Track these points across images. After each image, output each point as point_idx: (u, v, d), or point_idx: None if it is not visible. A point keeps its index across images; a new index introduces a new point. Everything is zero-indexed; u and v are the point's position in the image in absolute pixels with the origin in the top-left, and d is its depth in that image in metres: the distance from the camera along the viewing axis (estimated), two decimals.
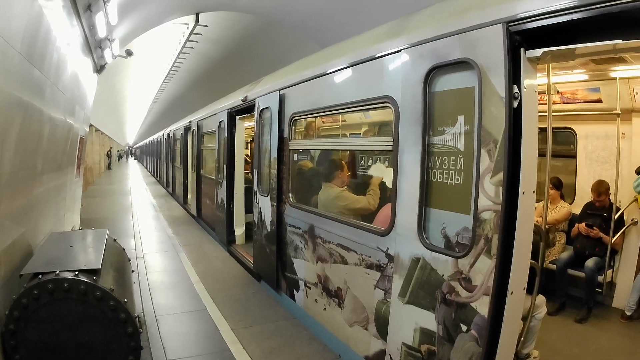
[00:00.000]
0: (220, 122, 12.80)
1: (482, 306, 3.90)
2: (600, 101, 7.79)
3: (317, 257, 6.68)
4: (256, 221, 9.29)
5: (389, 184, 5.73)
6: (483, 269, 3.89)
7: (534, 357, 5.70)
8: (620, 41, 3.49)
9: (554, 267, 7.82)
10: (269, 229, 8.48)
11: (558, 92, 6.99)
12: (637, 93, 7.41)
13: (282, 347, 6.44)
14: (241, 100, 10.71)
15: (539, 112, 4.03)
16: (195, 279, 9.57)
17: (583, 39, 3.66)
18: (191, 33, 20.06)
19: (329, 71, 6.49)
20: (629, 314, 7.31)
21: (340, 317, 6.08)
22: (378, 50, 5.33)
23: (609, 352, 6.39)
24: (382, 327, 5.13)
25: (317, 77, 6.83)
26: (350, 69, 5.99)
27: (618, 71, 7.11)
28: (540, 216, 5.77)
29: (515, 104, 3.76)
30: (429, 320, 4.44)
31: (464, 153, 4.10)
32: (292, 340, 6.69)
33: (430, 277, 4.40)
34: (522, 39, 3.78)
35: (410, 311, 4.65)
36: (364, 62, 5.64)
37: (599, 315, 7.57)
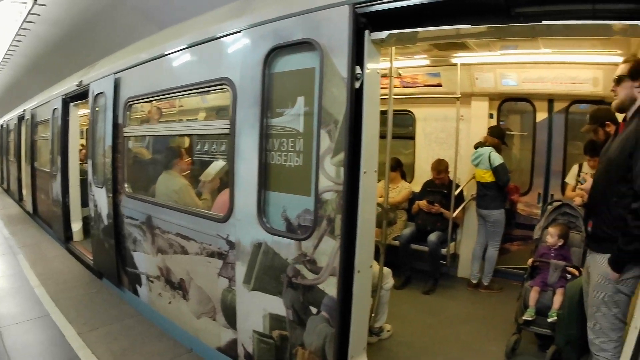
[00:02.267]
0: (54, 109, 11.77)
1: (330, 287, 3.87)
2: (440, 85, 8.16)
3: (157, 248, 6.36)
4: (93, 215, 8.76)
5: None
6: (327, 249, 3.86)
7: (387, 331, 5.85)
8: (467, 26, 3.57)
9: (397, 243, 8.02)
10: (106, 223, 7.99)
11: (400, 75, 7.08)
12: (477, 78, 7.94)
13: (132, 347, 6.08)
14: (76, 85, 9.98)
15: (381, 95, 4.05)
16: (35, 283, 8.80)
17: (429, 24, 3.70)
18: (29, 13, 18.50)
19: (166, 53, 6.18)
20: (474, 282, 7.81)
21: (186, 309, 5.85)
22: (218, 31, 5.12)
23: (459, 318, 6.67)
24: (231, 317, 4.97)
25: (154, 60, 6.48)
26: (188, 50, 5.74)
27: (459, 57, 7.45)
28: (382, 196, 5.85)
29: (357, 85, 3.73)
30: (277, 305, 4.34)
31: (304, 134, 4.02)
32: (142, 338, 6.34)
33: (274, 262, 4.30)
34: (368, 21, 3.74)
35: (257, 298, 4.53)
36: (202, 43, 5.40)
37: (447, 285, 8.00)
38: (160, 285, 6.40)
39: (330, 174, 3.80)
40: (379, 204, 5.22)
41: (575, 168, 6.96)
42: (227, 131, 4.85)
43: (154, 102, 6.98)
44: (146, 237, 6.62)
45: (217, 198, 6.00)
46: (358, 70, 3.72)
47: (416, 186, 8.64)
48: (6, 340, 6.21)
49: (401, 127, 9.35)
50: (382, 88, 4.14)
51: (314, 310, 4.04)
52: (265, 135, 4.32)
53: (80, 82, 9.70)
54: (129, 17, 13.63)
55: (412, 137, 9.16)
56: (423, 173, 8.80)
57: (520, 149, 8.80)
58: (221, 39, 5.05)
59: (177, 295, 6.02)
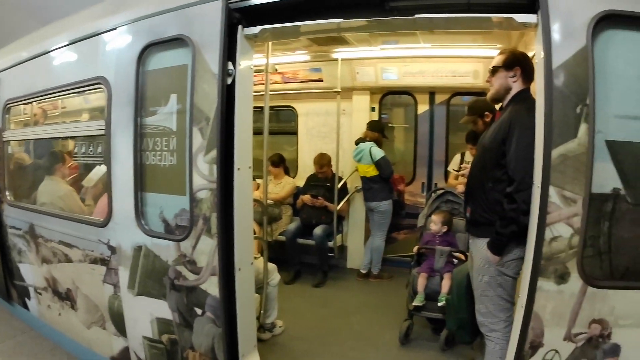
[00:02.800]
0: None
1: (212, 287, 3.85)
2: (322, 80, 8.13)
3: (42, 258, 5.95)
4: None
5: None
6: (206, 249, 3.83)
7: (280, 327, 5.81)
8: (340, 20, 3.61)
9: (284, 238, 8.01)
10: None
11: (276, 70, 7.07)
12: (358, 73, 7.90)
13: None
14: None
15: (262, 91, 4.16)
16: None
17: (305, 18, 3.71)
18: None
19: (44, 52, 5.79)
20: (364, 272, 7.90)
21: (76, 320, 5.50)
22: (95, 27, 4.87)
23: (351, 308, 6.70)
24: (119, 324, 4.77)
25: (33, 59, 6.05)
26: (65, 49, 5.40)
27: (340, 53, 7.39)
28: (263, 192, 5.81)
29: (229, 81, 3.71)
30: (163, 309, 4.24)
31: (177, 133, 3.96)
32: (34, 354, 5.97)
33: (155, 265, 4.20)
34: (242, 16, 3.73)
35: (142, 302, 4.39)
36: (79, 41, 5.12)
37: (337, 277, 8.05)
38: (49, 297, 6.02)
39: (203, 172, 3.77)
40: (258, 200, 5.24)
41: (457, 157, 7.18)
42: (102, 132, 4.62)
43: (35, 104, 6.66)
44: (30, 247, 6.21)
45: (98, 202, 5.59)
46: (230, 66, 3.70)
47: (300, 181, 8.64)
48: None
49: (283, 123, 9.41)
50: (260, 84, 4.14)
51: (199, 311, 3.99)
52: (140, 134, 4.19)
53: None
54: (12, 14, 12.95)
55: (295, 133, 9.13)
56: (306, 168, 8.79)
57: (403, 140, 8.97)
58: (97, 36, 4.81)
59: (66, 305, 5.68)
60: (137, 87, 4.19)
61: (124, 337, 4.78)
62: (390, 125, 8.83)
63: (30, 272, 6.38)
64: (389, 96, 8.69)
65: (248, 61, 3.89)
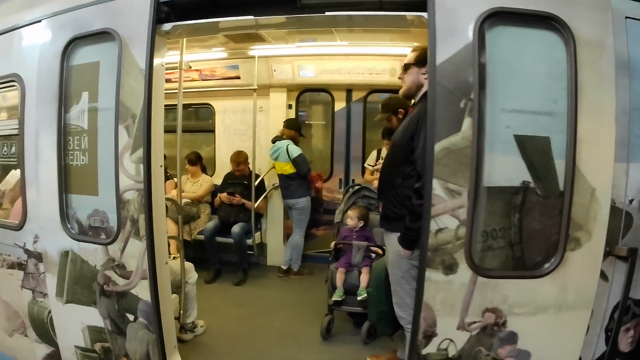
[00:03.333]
0: None
1: (143, 291, 3.73)
2: (239, 78, 8.02)
3: None
4: None
5: None
6: (135, 252, 3.71)
7: (201, 326, 5.67)
8: (250, 17, 3.63)
9: (203, 237, 7.86)
10: None
11: (190, 67, 6.93)
12: (275, 70, 7.83)
13: None
14: None
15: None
16: None
17: (224, 15, 3.69)
18: None
19: None
20: (284, 268, 7.87)
21: None
22: (9, 23, 4.55)
23: (273, 305, 6.63)
24: (40, 330, 4.52)
25: None
26: None
27: (257, 50, 7.33)
28: (183, 191, 5.92)
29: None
30: (93, 316, 4.04)
31: (105, 131, 3.79)
32: None
33: (84, 270, 3.98)
34: (170, 10, 3.64)
35: (72, 310, 4.15)
36: None
37: (257, 275, 7.96)
38: None
39: (130, 172, 3.64)
40: (172, 199, 5.20)
41: (374, 153, 7.25)
42: (15, 132, 4.39)
43: None
44: None
45: (15, 204, 5.20)
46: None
47: (218, 179, 8.52)
48: None
49: (201, 121, 9.30)
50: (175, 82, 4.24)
51: (131, 317, 3.85)
52: (64, 133, 3.95)
53: None
54: None
55: (212, 131, 8.98)
56: (224, 166, 8.64)
57: (321, 137, 8.98)
58: (10, 32, 4.51)
59: None
60: (61, 84, 3.94)
61: (46, 344, 4.53)
62: (307, 122, 8.84)
63: None
64: (307, 93, 8.68)
65: (160, 58, 3.78)
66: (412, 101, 4.13)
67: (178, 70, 5.22)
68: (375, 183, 5.90)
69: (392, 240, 3.90)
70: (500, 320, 3.23)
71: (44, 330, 4.47)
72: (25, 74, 4.27)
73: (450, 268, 3.20)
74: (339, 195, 8.25)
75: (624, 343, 3.47)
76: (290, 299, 6.90)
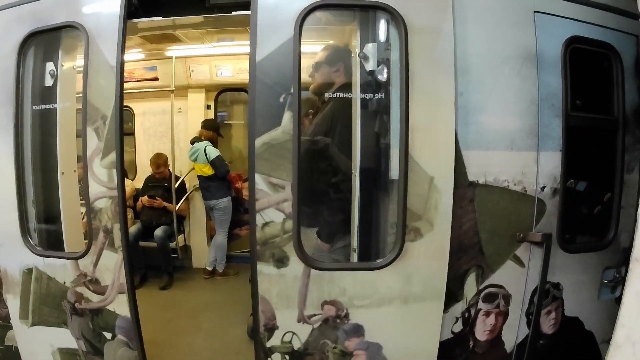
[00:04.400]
0: None
1: (121, 306, 3.48)
2: (157, 79, 7.77)
3: None
4: None
5: None
6: (110, 265, 3.44)
7: None
8: (159, 18, 3.65)
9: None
10: None
11: None
12: (192, 70, 7.66)
13: None
14: None
15: None
16: None
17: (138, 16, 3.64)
18: None
19: None
20: (209, 269, 7.65)
21: None
22: None
23: (199, 307, 6.49)
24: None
25: None
26: None
27: (174, 50, 7.16)
28: None
29: (51, 82, 3.59)
30: (65, 338, 3.70)
31: (68, 134, 3.61)
32: None
33: (51, 288, 3.63)
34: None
35: (40, 333, 3.77)
36: None
37: (183, 277, 7.72)
38: None
39: (101, 178, 3.38)
40: None
41: None
42: None
43: None
44: None
45: None
46: (51, 67, 3.55)
47: (139, 183, 8.22)
48: None
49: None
50: None
51: (108, 335, 3.57)
52: (21, 137, 3.59)
53: None
54: None
55: (132, 133, 8.59)
56: (145, 169, 8.32)
57: (242, 137, 8.81)
58: None
59: None
60: (17, 84, 3.57)
61: None
62: (227, 122, 8.67)
63: None
64: (227, 93, 8.51)
65: (71, 62, 3.61)
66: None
67: None
68: None
69: (309, 236, 3.80)
70: (341, 312, 3.22)
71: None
72: None
73: (281, 261, 3.20)
74: None
75: (547, 325, 3.56)
76: (216, 299, 6.76)
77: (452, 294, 3.27)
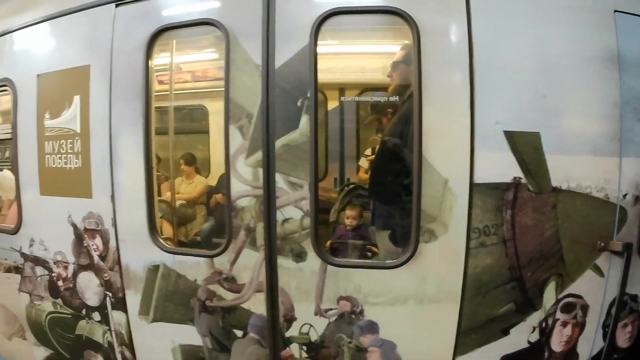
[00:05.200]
0: None
1: (257, 305, 3.40)
2: None
3: None
4: None
5: None
6: (249, 264, 3.37)
7: None
8: None
9: (198, 238, 7.22)
10: None
11: (180, 69, 6.61)
12: None
13: None
14: None
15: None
16: None
17: None
18: None
19: None
20: None
21: None
22: (2, 27, 4.39)
23: None
24: (39, 333, 4.40)
25: None
26: None
27: None
28: (178, 192, 5.87)
29: None
30: (188, 334, 3.63)
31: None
32: None
33: (179, 286, 3.58)
34: None
35: (160, 329, 3.72)
36: None
37: None
38: None
39: (245, 177, 3.34)
40: (164, 201, 5.27)
41: (368, 151, 6.89)
42: (8, 136, 4.33)
43: None
44: None
45: (11, 208, 5.06)
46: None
47: (213, 180, 7.85)
48: None
49: (195, 122, 8.64)
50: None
51: (239, 333, 3.48)
52: (150, 134, 3.61)
53: None
54: None
55: (207, 132, 8.41)
56: (219, 167, 8.03)
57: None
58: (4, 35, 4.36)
59: None
60: (146, 79, 3.57)
61: (44, 347, 4.41)
62: None
63: None
64: None
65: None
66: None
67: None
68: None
69: (383, 238, 3.86)
70: (356, 308, 3.22)
71: (43, 333, 4.35)
72: (16, 77, 4.17)
73: (299, 256, 3.25)
74: (334, 194, 7.70)
75: (622, 339, 3.47)
76: None
77: (530, 303, 3.18)
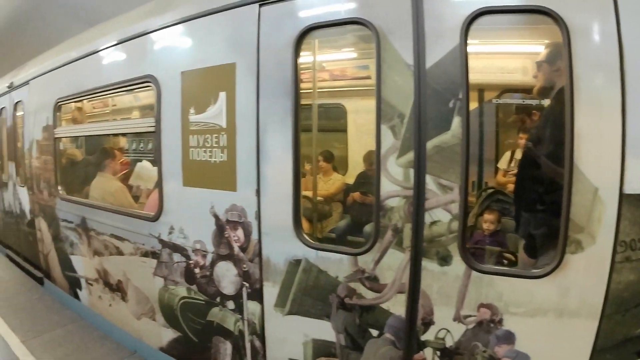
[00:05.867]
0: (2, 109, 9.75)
1: (397, 306, 3.30)
2: (370, 78, 7.37)
3: (93, 250, 5.78)
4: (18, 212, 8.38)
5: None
6: (394, 264, 3.27)
7: None
8: None
9: (334, 235, 7.29)
10: (29, 218, 7.69)
11: (324, 68, 6.67)
12: None
13: (76, 353, 5.55)
14: (7, 87, 8.85)
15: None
16: None
17: None
18: None
19: (93, 51, 5.54)
20: None
21: (126, 311, 5.35)
22: (145, 27, 4.65)
23: None
24: (169, 315, 4.64)
25: (83, 58, 5.79)
26: (114, 48, 5.19)
27: None
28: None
29: None
30: (322, 329, 3.63)
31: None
32: (84, 343, 5.79)
33: (320, 281, 3.57)
34: None
35: (294, 322, 3.74)
36: (127, 40, 4.94)
37: None
38: (100, 288, 5.85)
39: (396, 177, 3.22)
40: (307, 197, 5.17)
41: (507, 154, 6.67)
42: (152, 129, 4.50)
43: (85, 101, 6.55)
44: (82, 240, 6.05)
45: (149, 198, 5.46)
46: None
47: (350, 179, 7.99)
48: None
49: (333, 120, 8.76)
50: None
51: (374, 332, 3.41)
52: (298, 131, 3.61)
53: (11, 83, 8.62)
54: (61, 15, 11.80)
55: (345, 130, 8.59)
56: (357, 165, 8.09)
57: None
58: (145, 35, 4.63)
59: (117, 297, 5.50)
60: (295, 77, 3.57)
61: (173, 329, 4.62)
62: None
63: (82, 263, 6.27)
64: None
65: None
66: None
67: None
68: (510, 186, 5.57)
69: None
70: (496, 317, 3.06)
71: (173, 316, 4.56)
72: (159, 74, 4.38)
73: (444, 259, 3.14)
74: (472, 198, 7.80)
75: None
76: None
77: None
